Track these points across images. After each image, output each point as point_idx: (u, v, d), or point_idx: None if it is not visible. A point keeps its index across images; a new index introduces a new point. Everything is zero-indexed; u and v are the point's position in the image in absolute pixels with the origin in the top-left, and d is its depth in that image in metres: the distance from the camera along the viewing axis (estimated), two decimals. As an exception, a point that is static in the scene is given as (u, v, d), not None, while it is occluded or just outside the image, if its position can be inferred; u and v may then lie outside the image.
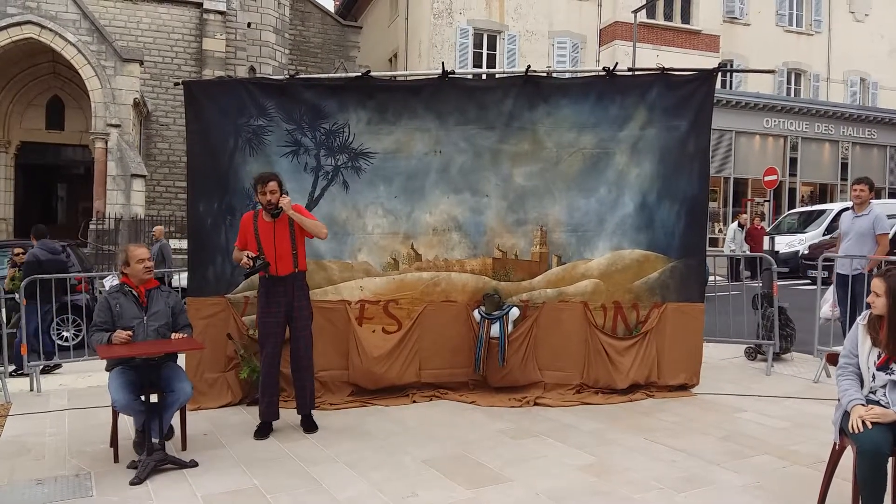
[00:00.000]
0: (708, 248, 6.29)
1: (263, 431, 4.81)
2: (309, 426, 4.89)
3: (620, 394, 5.69)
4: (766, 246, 7.72)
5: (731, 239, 15.48)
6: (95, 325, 4.28)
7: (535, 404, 5.54)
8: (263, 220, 4.79)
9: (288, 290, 4.79)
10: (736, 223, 15.84)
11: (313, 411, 5.01)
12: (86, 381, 6.50)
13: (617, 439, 4.68)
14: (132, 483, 3.89)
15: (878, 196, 23.06)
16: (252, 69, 21.54)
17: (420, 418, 5.23)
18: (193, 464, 4.17)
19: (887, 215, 7.18)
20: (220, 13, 21.45)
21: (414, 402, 5.65)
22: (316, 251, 5.70)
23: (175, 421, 4.49)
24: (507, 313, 5.72)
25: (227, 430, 4.93)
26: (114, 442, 4.40)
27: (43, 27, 17.19)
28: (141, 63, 18.59)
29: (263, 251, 4.73)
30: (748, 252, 14.12)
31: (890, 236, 7.00)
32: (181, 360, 4.85)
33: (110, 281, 8.44)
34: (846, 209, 7.27)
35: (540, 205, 5.86)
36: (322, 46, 25.69)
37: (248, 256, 4.70)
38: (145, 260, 4.42)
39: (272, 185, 4.68)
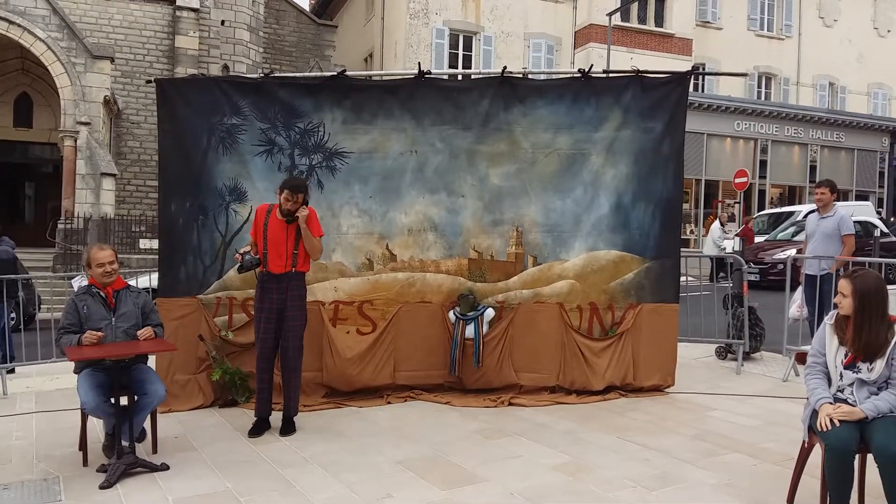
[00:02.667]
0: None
1: (257, 429, 4.81)
2: (286, 429, 4.85)
3: (594, 393, 5.72)
4: (736, 247, 7.83)
5: (719, 238, 15.94)
6: (63, 328, 4.19)
7: (510, 404, 5.56)
8: (276, 216, 4.81)
9: (282, 289, 4.79)
10: (717, 222, 16.38)
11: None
12: (54, 383, 6.38)
13: (590, 438, 4.71)
14: (102, 487, 3.82)
15: (845, 198, 23.56)
16: (225, 67, 21.32)
17: (394, 419, 5.21)
18: (164, 467, 4.11)
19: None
20: (194, 10, 21.18)
21: (388, 402, 5.63)
22: (290, 251, 5.66)
23: (146, 424, 4.42)
24: (482, 314, 5.72)
25: (198, 433, 4.86)
26: (83, 445, 4.31)
27: (11, 22, 16.83)
28: (112, 60, 18.29)
29: (267, 245, 4.78)
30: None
31: None
32: (151, 361, 4.78)
33: (79, 281, 8.29)
34: (813, 211, 7.40)
35: (516, 205, 5.88)
36: (297, 45, 25.51)
37: (238, 252, 4.84)
38: (106, 265, 4.28)
39: (300, 197, 4.71)
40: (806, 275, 6.86)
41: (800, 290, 6.93)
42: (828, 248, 6.73)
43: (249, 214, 5.66)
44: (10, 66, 19.73)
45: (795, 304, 6.84)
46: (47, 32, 17.13)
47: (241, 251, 4.82)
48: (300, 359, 4.93)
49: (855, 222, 7.11)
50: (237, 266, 4.87)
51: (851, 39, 29.00)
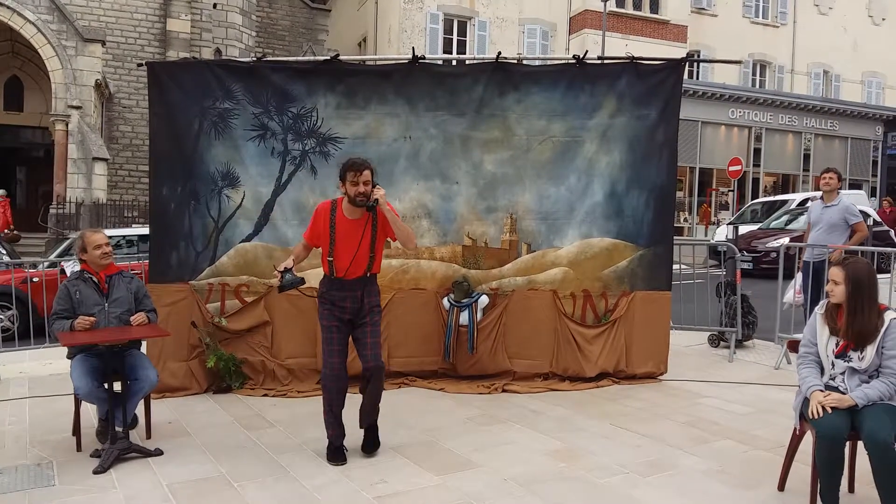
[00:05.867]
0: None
1: (340, 455, 4.08)
2: (369, 441, 4.22)
3: (587, 380, 5.75)
4: (729, 234, 7.83)
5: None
6: (56, 314, 4.17)
7: (504, 391, 5.58)
8: (343, 216, 4.01)
9: (356, 296, 4.06)
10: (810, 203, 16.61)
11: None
12: (47, 368, 6.36)
13: (583, 425, 4.74)
14: (95, 472, 3.83)
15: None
16: (218, 51, 21.15)
17: (388, 405, 5.17)
18: (158, 452, 4.12)
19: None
20: (186, -7, 20.98)
21: (382, 389, 5.63)
22: (282, 237, 5.65)
23: (139, 409, 4.41)
24: (477, 301, 5.72)
25: (192, 419, 4.87)
26: (76, 430, 4.31)
27: (1, 4, 16.62)
28: (103, 43, 18.10)
29: (335, 250, 4.00)
30: None
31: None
32: (144, 347, 4.76)
33: (71, 267, 8.24)
34: (809, 199, 7.38)
35: (510, 192, 5.86)
36: (290, 29, 25.32)
37: (277, 269, 4.01)
38: (102, 245, 4.29)
39: (367, 174, 3.88)
40: (804, 262, 6.83)
41: (799, 275, 6.90)
42: (832, 237, 6.69)
43: (242, 200, 5.64)
44: (0, 48, 19.52)
45: (793, 290, 6.81)
46: (37, 15, 16.93)
47: (281, 268, 3.98)
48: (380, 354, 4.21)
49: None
50: (277, 286, 4.09)
51: (846, 27, 28.96)
